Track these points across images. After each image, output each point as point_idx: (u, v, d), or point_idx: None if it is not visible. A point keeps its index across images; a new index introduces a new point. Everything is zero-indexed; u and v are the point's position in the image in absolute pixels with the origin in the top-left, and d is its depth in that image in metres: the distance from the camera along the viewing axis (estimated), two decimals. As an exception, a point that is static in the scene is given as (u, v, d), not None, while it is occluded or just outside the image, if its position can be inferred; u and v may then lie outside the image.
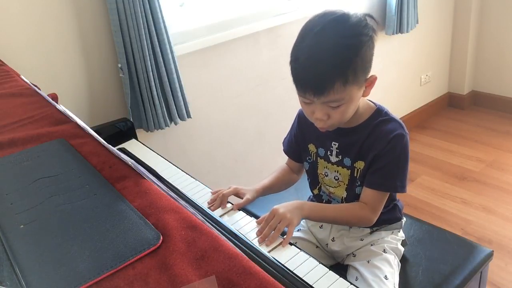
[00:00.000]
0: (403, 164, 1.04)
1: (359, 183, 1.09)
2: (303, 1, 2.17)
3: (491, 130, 2.88)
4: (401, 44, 2.71)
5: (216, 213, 1.04)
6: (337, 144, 1.10)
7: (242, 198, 1.11)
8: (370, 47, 0.95)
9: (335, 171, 1.12)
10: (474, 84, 3.19)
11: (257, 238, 0.96)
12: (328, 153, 1.12)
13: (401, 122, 1.06)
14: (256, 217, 1.03)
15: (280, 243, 0.93)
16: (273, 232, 0.95)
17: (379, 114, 1.06)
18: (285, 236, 0.95)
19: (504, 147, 2.68)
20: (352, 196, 1.11)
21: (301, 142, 1.20)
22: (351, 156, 1.08)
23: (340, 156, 1.10)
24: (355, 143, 1.06)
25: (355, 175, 1.09)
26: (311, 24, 0.96)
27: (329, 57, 0.92)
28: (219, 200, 1.08)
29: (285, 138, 1.28)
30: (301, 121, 1.20)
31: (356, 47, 0.92)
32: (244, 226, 1.01)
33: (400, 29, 2.52)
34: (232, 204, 1.09)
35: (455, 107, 3.23)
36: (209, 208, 1.07)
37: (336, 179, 1.12)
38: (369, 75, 0.98)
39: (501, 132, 2.84)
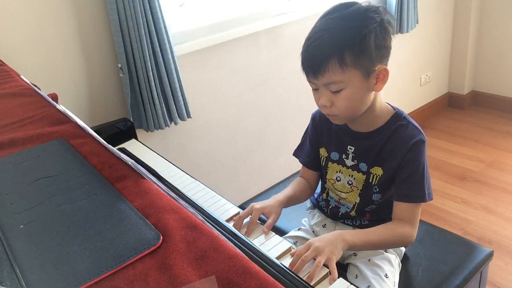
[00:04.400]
0: (427, 171, 1.02)
1: (377, 189, 1.07)
2: (303, 1, 2.17)
3: (491, 130, 2.88)
4: (401, 44, 2.71)
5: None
6: (353, 148, 1.08)
7: (266, 216, 1.04)
8: (378, 34, 0.93)
9: (349, 176, 1.10)
10: (474, 84, 3.19)
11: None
12: (344, 156, 1.10)
13: (420, 127, 1.04)
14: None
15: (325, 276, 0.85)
16: (307, 265, 0.86)
17: (398, 118, 1.04)
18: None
19: (504, 147, 2.68)
20: (366, 202, 1.09)
21: (315, 146, 1.18)
22: (368, 161, 1.06)
23: (355, 161, 1.08)
24: (373, 147, 1.05)
25: (371, 181, 1.07)
26: (324, 12, 0.99)
27: (328, 36, 0.93)
28: (239, 221, 1.00)
29: (297, 150, 1.24)
30: (315, 124, 1.18)
31: (357, 29, 0.92)
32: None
33: (400, 29, 2.52)
34: (261, 223, 1.02)
35: (455, 107, 3.23)
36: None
37: (349, 184, 1.10)
38: (378, 66, 0.96)
39: (501, 132, 2.84)
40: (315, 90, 1.00)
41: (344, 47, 0.91)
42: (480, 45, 3.06)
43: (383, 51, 0.96)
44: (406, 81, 2.89)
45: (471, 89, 3.20)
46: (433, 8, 2.84)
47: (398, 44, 2.69)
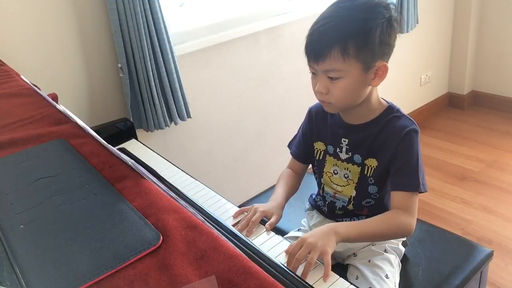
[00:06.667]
0: (421, 162, 1.03)
1: (372, 181, 1.07)
2: (303, 1, 2.17)
3: (491, 130, 2.88)
4: (401, 44, 2.70)
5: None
6: (347, 140, 1.09)
7: (268, 217, 1.04)
8: (383, 30, 0.95)
9: (345, 169, 1.11)
10: (474, 84, 3.19)
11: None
12: (338, 150, 1.11)
13: (413, 119, 1.06)
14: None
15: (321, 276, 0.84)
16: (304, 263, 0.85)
17: (391, 111, 1.06)
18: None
19: (504, 147, 2.68)
20: (362, 195, 1.10)
21: (309, 140, 1.19)
22: (362, 152, 1.07)
23: (350, 153, 1.09)
24: (366, 139, 1.06)
25: (366, 173, 1.08)
26: (335, 1, 1.00)
27: (335, 24, 0.94)
28: (245, 223, 1.00)
29: (291, 141, 1.26)
30: (311, 117, 1.19)
31: (365, 21, 0.94)
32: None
33: (400, 29, 2.52)
34: (263, 224, 1.03)
35: (455, 107, 3.23)
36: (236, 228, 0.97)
37: (345, 177, 1.11)
38: (378, 62, 0.97)
39: (501, 132, 2.84)
40: (314, 74, 1.02)
41: (349, 37, 0.93)
42: (480, 45, 3.06)
43: (386, 48, 0.98)
44: (406, 81, 2.89)
45: (471, 89, 3.20)
46: (433, 8, 2.84)
47: (398, 44, 2.66)
